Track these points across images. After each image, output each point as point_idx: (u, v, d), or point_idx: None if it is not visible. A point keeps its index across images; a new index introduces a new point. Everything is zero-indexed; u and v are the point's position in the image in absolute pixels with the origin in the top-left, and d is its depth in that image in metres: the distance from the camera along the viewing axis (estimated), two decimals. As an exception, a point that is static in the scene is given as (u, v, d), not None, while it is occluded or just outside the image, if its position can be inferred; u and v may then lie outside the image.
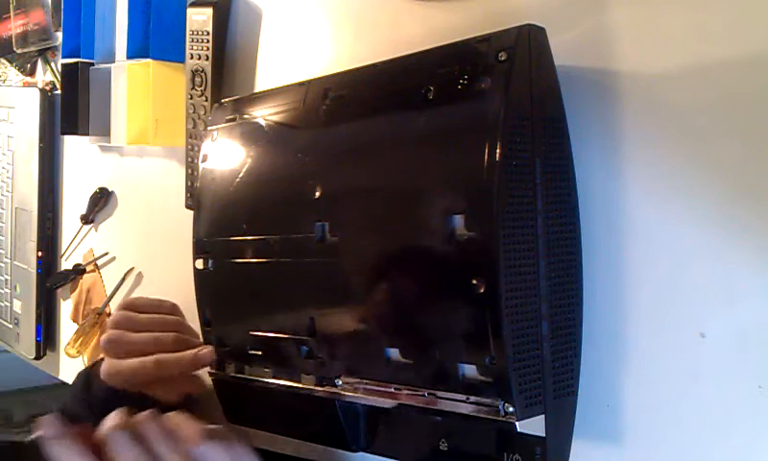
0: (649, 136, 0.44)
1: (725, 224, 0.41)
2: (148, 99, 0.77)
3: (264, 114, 0.58)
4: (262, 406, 0.59)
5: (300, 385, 0.53)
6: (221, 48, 0.72)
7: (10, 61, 1.13)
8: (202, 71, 0.71)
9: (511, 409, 0.41)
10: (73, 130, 0.91)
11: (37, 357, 1.01)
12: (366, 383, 0.49)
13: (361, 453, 0.52)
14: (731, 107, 0.41)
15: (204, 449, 0.45)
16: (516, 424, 0.41)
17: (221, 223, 0.59)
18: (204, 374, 0.62)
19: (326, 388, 0.51)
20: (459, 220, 0.42)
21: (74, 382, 0.68)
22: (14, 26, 1.07)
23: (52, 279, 0.99)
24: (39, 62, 1.08)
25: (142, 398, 0.60)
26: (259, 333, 0.56)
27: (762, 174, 0.40)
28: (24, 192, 1.03)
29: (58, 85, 1.02)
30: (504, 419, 0.41)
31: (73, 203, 0.98)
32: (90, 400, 0.63)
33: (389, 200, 0.47)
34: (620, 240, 0.45)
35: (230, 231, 0.58)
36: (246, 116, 0.60)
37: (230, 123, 0.61)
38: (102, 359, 0.64)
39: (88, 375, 0.65)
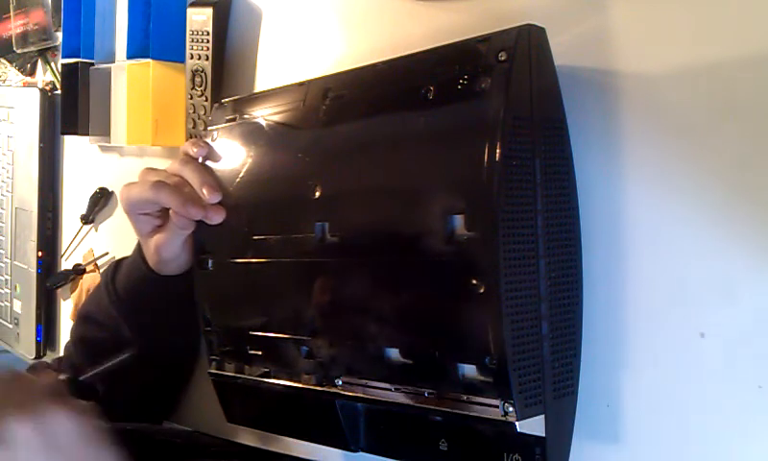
0: (649, 136, 0.44)
1: (725, 224, 0.41)
2: (148, 99, 0.76)
3: (264, 114, 0.58)
4: (262, 406, 0.59)
5: (300, 385, 0.53)
6: (221, 48, 0.72)
7: (10, 61, 1.13)
8: (202, 71, 0.71)
9: (511, 409, 0.41)
10: (73, 130, 0.91)
11: (38, 357, 1.01)
12: (366, 383, 0.49)
13: (361, 453, 0.52)
14: (730, 106, 0.41)
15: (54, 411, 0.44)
16: (516, 424, 0.41)
17: (221, 223, 0.59)
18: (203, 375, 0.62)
19: (326, 388, 0.51)
20: (459, 220, 0.42)
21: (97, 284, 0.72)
22: (14, 26, 1.07)
23: (52, 279, 0.99)
24: (39, 62, 1.08)
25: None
26: (259, 333, 0.56)
27: (762, 174, 0.40)
28: (24, 192, 1.03)
29: (58, 85, 1.02)
30: (504, 419, 0.41)
31: (73, 203, 0.98)
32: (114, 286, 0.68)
33: (389, 200, 0.47)
34: (620, 240, 0.45)
35: (230, 231, 0.58)
36: (246, 116, 0.59)
37: (230, 123, 0.61)
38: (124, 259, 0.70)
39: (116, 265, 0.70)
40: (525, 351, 0.41)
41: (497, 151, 0.40)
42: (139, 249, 0.66)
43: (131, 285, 0.67)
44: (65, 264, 0.99)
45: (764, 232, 0.40)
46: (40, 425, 0.43)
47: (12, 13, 1.08)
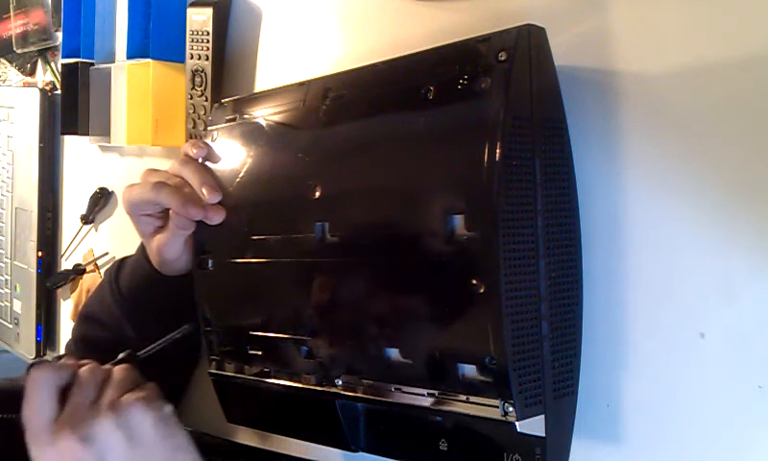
0: (649, 136, 0.44)
1: (725, 223, 0.41)
2: (148, 99, 0.76)
3: (264, 114, 0.58)
4: (262, 406, 0.59)
5: (300, 385, 0.53)
6: (221, 48, 0.72)
7: (10, 61, 1.13)
8: (202, 71, 0.71)
9: (511, 409, 0.41)
10: (73, 130, 0.91)
11: (37, 358, 1.01)
12: (366, 383, 0.49)
13: (361, 453, 0.52)
14: (730, 107, 0.41)
15: (133, 406, 0.46)
16: (516, 424, 0.41)
17: (221, 223, 0.59)
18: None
19: (326, 388, 0.51)
20: (459, 220, 0.42)
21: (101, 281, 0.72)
22: (14, 26, 1.07)
23: (52, 279, 0.99)
24: (39, 62, 1.08)
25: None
26: (259, 333, 0.56)
27: (762, 174, 0.40)
28: (24, 192, 1.03)
29: (58, 85, 1.02)
30: (504, 419, 0.41)
31: (73, 203, 0.98)
32: (118, 284, 0.67)
33: (389, 200, 0.47)
34: (620, 240, 0.45)
35: (230, 231, 0.58)
36: (246, 116, 0.59)
37: (230, 123, 0.61)
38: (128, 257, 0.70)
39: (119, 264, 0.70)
40: (525, 351, 0.41)
41: (497, 151, 0.40)
42: (143, 248, 0.67)
43: (134, 284, 0.67)
44: (65, 264, 0.99)
45: (764, 232, 0.40)
46: (124, 424, 0.46)
47: (12, 13, 1.08)
